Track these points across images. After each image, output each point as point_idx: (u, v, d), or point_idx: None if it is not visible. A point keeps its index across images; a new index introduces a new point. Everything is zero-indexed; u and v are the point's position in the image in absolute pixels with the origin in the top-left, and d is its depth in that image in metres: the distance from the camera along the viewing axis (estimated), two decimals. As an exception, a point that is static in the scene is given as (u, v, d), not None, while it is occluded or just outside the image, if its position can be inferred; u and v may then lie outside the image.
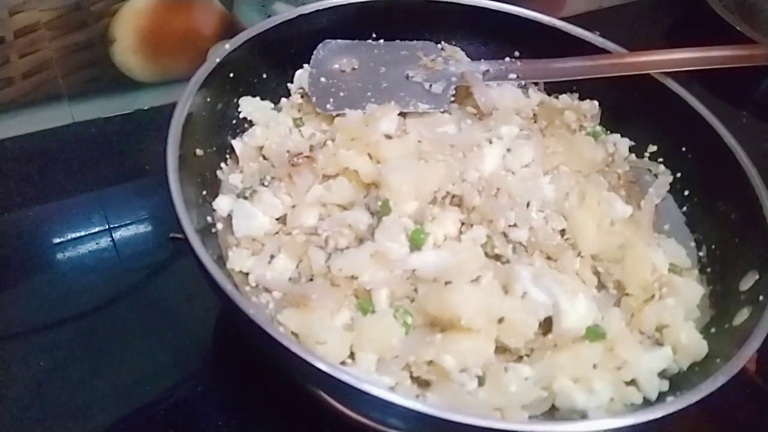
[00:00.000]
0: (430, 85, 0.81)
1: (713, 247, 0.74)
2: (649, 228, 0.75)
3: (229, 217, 0.70)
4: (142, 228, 0.85)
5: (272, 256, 0.67)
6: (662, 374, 0.64)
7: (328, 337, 0.60)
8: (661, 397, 0.62)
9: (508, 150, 0.75)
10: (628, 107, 0.83)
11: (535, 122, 0.82)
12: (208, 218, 0.69)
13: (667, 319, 0.66)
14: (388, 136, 0.73)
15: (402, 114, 0.77)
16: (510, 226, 0.69)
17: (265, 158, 0.75)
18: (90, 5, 0.89)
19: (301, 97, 0.81)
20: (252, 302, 0.65)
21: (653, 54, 0.80)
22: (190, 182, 0.66)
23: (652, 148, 0.82)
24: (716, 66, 0.79)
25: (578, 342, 0.64)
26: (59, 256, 0.81)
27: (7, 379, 0.70)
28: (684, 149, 0.79)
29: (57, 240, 0.82)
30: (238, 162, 0.76)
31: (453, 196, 0.69)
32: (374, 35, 0.85)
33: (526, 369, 0.61)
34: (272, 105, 0.80)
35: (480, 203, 0.69)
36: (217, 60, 0.73)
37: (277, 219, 0.70)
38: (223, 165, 0.75)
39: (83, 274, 0.80)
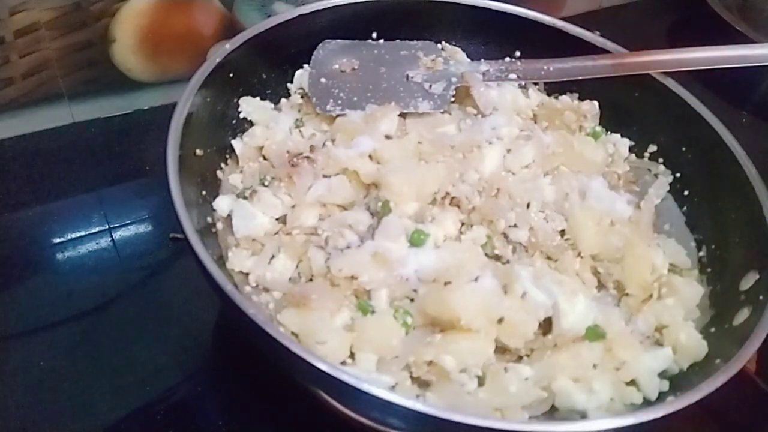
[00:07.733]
0: (430, 86, 0.81)
1: (713, 247, 0.74)
2: (649, 228, 0.75)
3: (229, 217, 0.70)
4: (142, 228, 0.85)
5: (272, 256, 0.67)
6: (662, 374, 0.64)
7: (328, 337, 0.60)
8: (661, 397, 0.62)
9: (508, 150, 0.75)
10: (628, 107, 0.83)
11: (535, 123, 0.82)
12: (208, 218, 0.69)
13: (666, 319, 0.66)
14: (388, 137, 0.73)
15: (402, 114, 0.77)
16: (510, 226, 0.69)
17: (265, 158, 0.75)
18: (90, 5, 0.89)
19: (301, 97, 0.81)
20: (252, 302, 0.64)
21: (653, 54, 0.80)
22: (190, 182, 0.66)
23: (652, 148, 0.82)
24: (716, 66, 0.79)
25: (578, 342, 0.64)
26: (59, 256, 0.81)
27: (7, 379, 0.70)
28: (684, 149, 0.79)
29: (57, 240, 0.82)
30: (238, 162, 0.76)
31: (453, 197, 0.69)
32: (374, 35, 0.85)
33: (526, 369, 0.61)
34: (272, 105, 0.81)
35: (480, 204, 0.69)
36: (217, 60, 0.73)
37: (277, 219, 0.70)
38: (223, 165, 0.75)
39: (83, 274, 0.80)
